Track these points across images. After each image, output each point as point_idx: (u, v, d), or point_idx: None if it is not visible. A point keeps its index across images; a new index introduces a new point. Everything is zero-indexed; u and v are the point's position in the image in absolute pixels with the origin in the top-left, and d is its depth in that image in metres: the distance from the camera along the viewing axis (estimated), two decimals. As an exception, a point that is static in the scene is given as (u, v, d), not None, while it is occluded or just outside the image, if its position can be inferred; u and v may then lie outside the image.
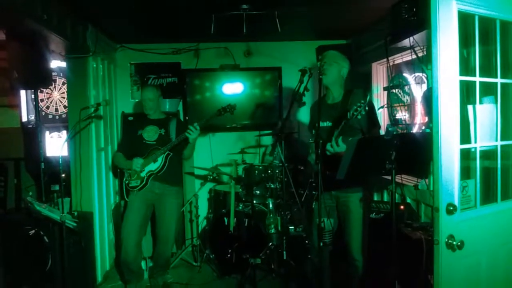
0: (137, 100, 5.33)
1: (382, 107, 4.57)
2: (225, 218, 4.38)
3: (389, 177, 2.67)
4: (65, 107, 5.01)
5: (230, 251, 4.29)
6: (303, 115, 5.16)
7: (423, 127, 3.87)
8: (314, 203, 3.26)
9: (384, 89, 4.73)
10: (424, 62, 3.66)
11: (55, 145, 4.89)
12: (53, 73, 4.73)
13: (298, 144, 5.06)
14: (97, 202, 4.31)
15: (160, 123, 3.91)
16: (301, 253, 4.11)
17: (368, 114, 3.23)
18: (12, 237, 3.58)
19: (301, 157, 3.58)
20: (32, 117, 4.91)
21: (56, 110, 5.08)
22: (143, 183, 3.77)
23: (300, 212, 4.34)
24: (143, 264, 4.18)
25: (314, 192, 3.31)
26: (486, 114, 2.47)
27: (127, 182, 3.85)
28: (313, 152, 3.30)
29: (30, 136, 4.84)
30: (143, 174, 3.78)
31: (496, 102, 2.41)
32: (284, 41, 5.36)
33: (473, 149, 2.29)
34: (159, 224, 3.93)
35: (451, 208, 2.04)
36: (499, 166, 2.38)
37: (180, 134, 3.75)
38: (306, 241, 4.07)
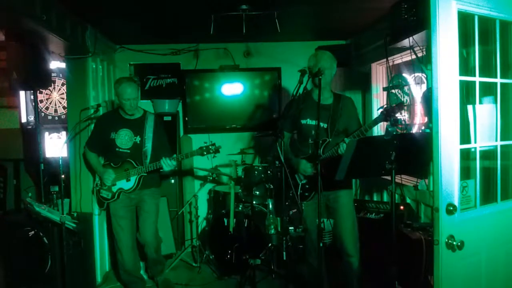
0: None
1: (381, 107, 4.56)
2: (224, 218, 4.37)
3: (388, 178, 2.67)
4: (64, 108, 5.01)
5: (229, 251, 4.28)
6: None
7: (423, 127, 3.87)
8: (303, 204, 3.28)
9: (384, 89, 4.73)
10: (423, 62, 3.66)
11: (55, 146, 4.89)
12: (53, 74, 4.73)
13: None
14: (96, 203, 4.29)
15: (136, 125, 3.65)
16: (300, 253, 4.10)
17: (354, 116, 3.37)
18: (11, 238, 3.57)
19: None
20: (32, 118, 4.91)
21: (56, 111, 5.07)
22: (114, 198, 3.66)
23: (300, 213, 4.34)
24: (142, 265, 4.17)
25: (306, 194, 3.33)
26: (485, 114, 2.47)
27: (98, 188, 3.72)
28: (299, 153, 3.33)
29: (30, 137, 4.83)
30: (114, 189, 3.65)
31: (496, 102, 2.41)
32: (284, 41, 5.36)
33: (473, 149, 2.29)
34: (141, 228, 3.78)
35: (451, 208, 2.04)
36: (499, 166, 2.38)
37: (157, 139, 3.64)
38: (300, 246, 4.06)
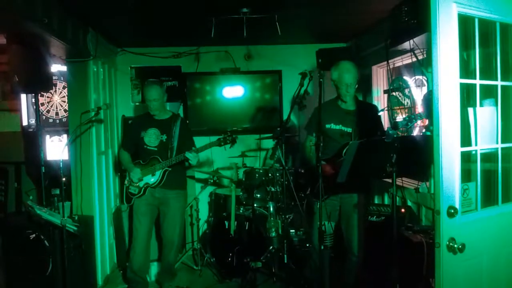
0: (137, 103, 5.33)
1: (382, 110, 4.56)
2: (225, 221, 4.37)
3: (390, 180, 2.67)
4: (65, 111, 5.01)
5: (230, 254, 4.28)
6: (304, 118, 5.16)
7: (424, 130, 3.86)
8: (317, 205, 3.31)
9: (385, 92, 4.73)
10: (424, 65, 3.66)
11: (56, 149, 4.89)
12: (54, 77, 4.72)
13: (299, 147, 5.06)
14: (97, 206, 4.30)
15: (163, 125, 3.86)
16: (302, 256, 4.10)
17: (377, 121, 3.48)
18: (12, 241, 3.57)
19: (302, 160, 3.65)
20: (33, 121, 4.91)
21: (57, 114, 5.08)
22: (141, 193, 3.82)
23: (301, 215, 4.34)
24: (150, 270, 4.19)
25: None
26: (486, 116, 2.47)
27: (127, 185, 3.89)
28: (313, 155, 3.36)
29: (31, 140, 4.83)
30: (141, 185, 3.82)
31: (496, 105, 2.41)
32: (284, 44, 5.36)
33: (473, 152, 2.29)
34: (163, 228, 3.94)
35: (452, 211, 2.04)
36: (499, 168, 2.38)
37: (183, 139, 3.80)
38: (307, 244, 4.06)
